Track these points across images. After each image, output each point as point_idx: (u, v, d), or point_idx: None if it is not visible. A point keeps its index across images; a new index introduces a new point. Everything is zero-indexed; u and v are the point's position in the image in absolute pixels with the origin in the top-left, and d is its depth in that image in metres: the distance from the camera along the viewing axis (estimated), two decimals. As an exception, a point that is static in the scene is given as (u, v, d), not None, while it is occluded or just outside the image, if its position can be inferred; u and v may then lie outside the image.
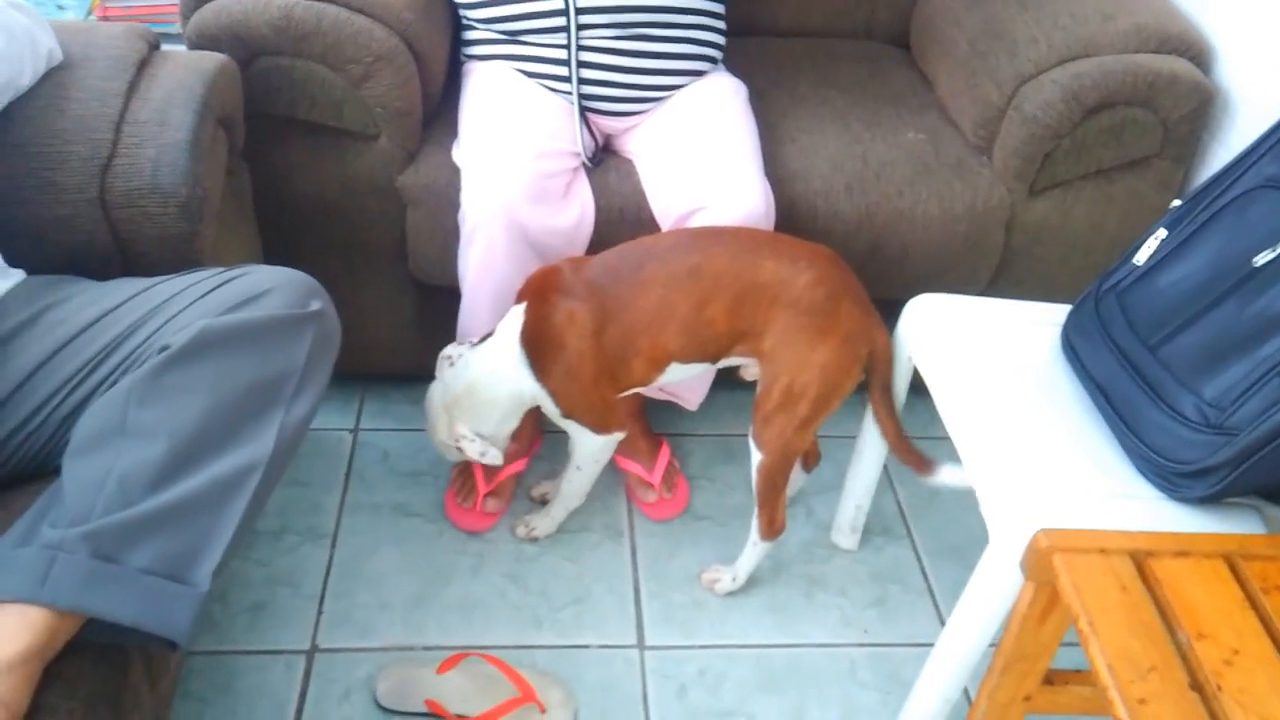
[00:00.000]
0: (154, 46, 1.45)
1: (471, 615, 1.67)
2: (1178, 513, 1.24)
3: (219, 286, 1.16)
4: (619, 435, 1.65)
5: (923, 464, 1.53)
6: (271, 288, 1.15)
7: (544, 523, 1.78)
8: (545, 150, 1.62)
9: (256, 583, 1.69)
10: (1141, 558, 1.15)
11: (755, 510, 1.63)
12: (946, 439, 1.38)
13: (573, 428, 1.62)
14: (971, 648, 1.33)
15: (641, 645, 1.65)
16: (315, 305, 1.17)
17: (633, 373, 1.54)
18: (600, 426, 1.61)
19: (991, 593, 1.27)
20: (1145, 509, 1.24)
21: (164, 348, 1.09)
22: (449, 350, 1.65)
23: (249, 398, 1.10)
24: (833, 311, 1.46)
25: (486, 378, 1.56)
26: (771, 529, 1.63)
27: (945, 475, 1.51)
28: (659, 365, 1.54)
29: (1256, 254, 1.24)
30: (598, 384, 1.54)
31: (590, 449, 1.66)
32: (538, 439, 1.91)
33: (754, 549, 1.68)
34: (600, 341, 1.49)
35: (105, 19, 1.98)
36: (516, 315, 1.52)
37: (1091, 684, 1.34)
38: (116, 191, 1.28)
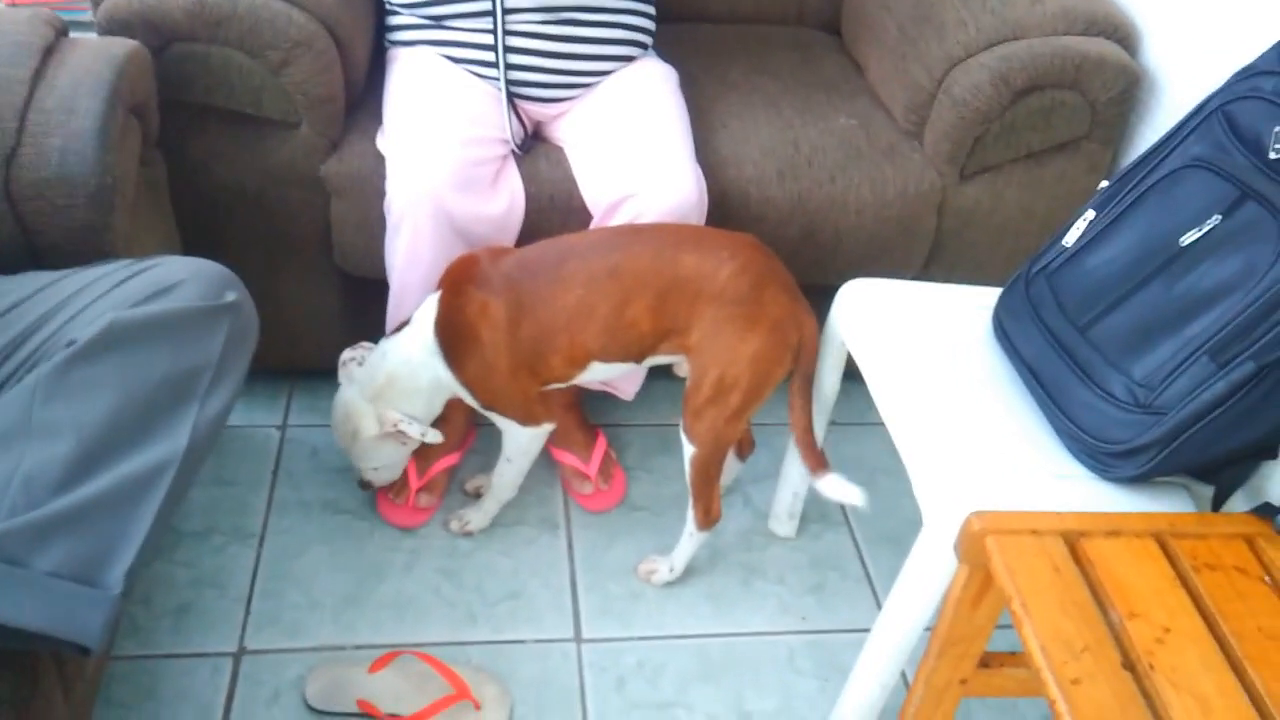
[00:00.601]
0: (62, 32, 1.39)
1: (404, 613, 1.63)
2: (1109, 492, 1.24)
3: (129, 279, 1.12)
4: (548, 427, 1.63)
5: (817, 464, 1.54)
6: (184, 279, 1.11)
7: (477, 516, 1.75)
8: (472, 137, 1.59)
9: (181, 584, 1.64)
10: (1073, 538, 1.15)
11: (690, 501, 1.61)
12: (880, 425, 1.37)
13: (498, 419, 1.61)
14: (907, 632, 1.33)
15: (579, 638, 1.63)
16: (230, 296, 1.13)
17: (552, 369, 1.52)
18: (525, 418, 1.60)
19: (926, 577, 1.27)
20: (1077, 489, 1.24)
21: (71, 342, 1.04)
22: (347, 354, 1.64)
23: (161, 393, 1.06)
24: (759, 300, 1.45)
25: (404, 367, 1.53)
26: (707, 519, 1.61)
27: (829, 484, 1.52)
28: (579, 363, 1.52)
29: (1183, 233, 1.24)
30: (515, 377, 1.52)
31: (518, 441, 1.64)
32: (471, 433, 1.88)
33: (690, 539, 1.66)
34: (515, 336, 1.48)
35: (13, 4, 1.91)
36: (431, 304, 1.50)
37: (1026, 666, 1.34)
38: (22, 182, 1.23)
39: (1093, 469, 1.26)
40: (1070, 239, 1.39)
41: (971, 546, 1.16)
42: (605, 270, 1.45)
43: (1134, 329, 1.26)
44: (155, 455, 1.05)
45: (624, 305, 1.45)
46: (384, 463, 1.66)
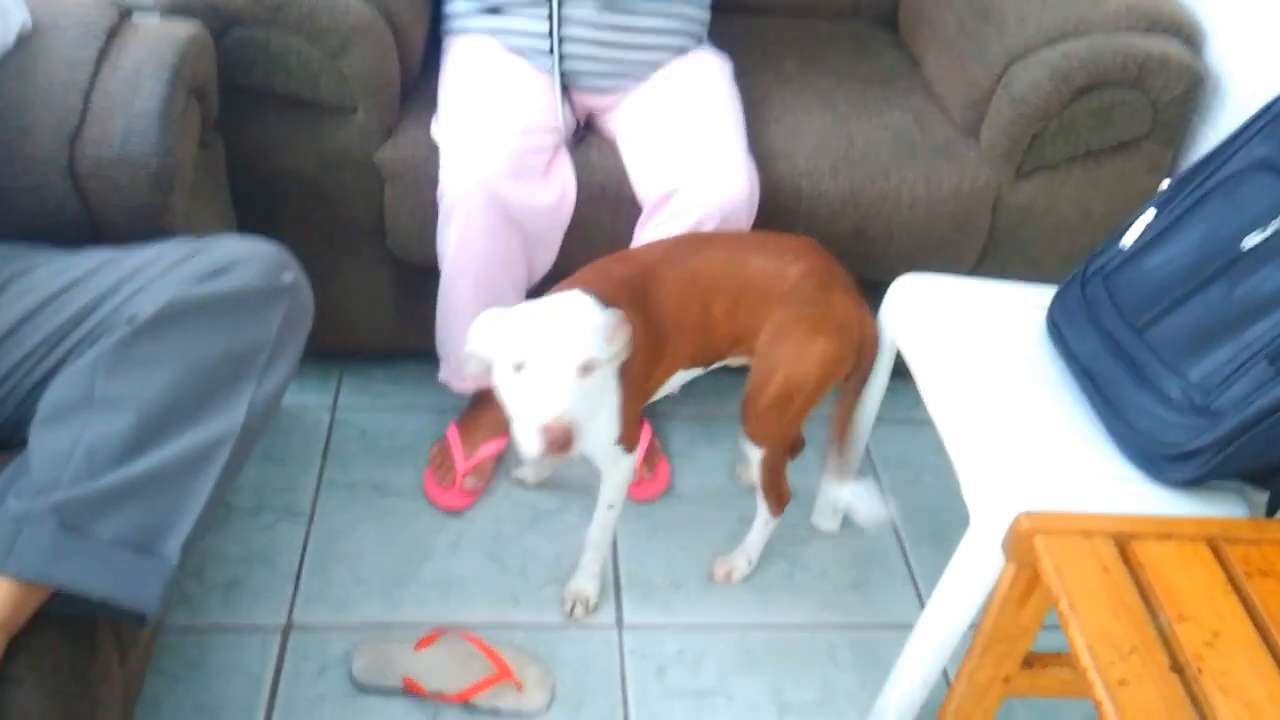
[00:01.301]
0: (125, 15, 1.42)
1: (449, 593, 1.65)
2: (1161, 496, 1.23)
3: (189, 257, 1.14)
4: (637, 453, 1.57)
5: (843, 470, 1.55)
6: (242, 259, 1.13)
7: (586, 582, 1.64)
8: (526, 126, 1.60)
9: (232, 559, 1.67)
10: (1124, 540, 1.14)
11: (760, 496, 1.63)
12: (927, 423, 1.37)
13: (603, 456, 1.49)
14: (951, 630, 1.32)
15: (620, 625, 1.64)
16: (287, 278, 1.15)
17: (656, 381, 1.48)
18: (631, 441, 1.49)
19: (972, 575, 1.26)
20: (1129, 492, 1.23)
21: (132, 318, 1.07)
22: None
23: (219, 369, 1.08)
24: (826, 301, 1.45)
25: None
26: (780, 504, 1.64)
27: (849, 492, 1.54)
28: (672, 371, 1.49)
29: (1245, 236, 1.22)
30: (635, 392, 1.43)
31: (623, 474, 1.53)
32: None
33: (765, 527, 1.68)
34: (646, 344, 1.39)
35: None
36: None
37: (1071, 666, 1.33)
38: (86, 160, 1.26)
39: (1146, 471, 1.24)
40: (1129, 239, 1.37)
41: (1019, 546, 1.15)
42: (687, 277, 1.43)
43: (1192, 331, 1.25)
44: (213, 431, 1.07)
45: (706, 310, 1.44)
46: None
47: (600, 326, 1.25)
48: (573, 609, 1.63)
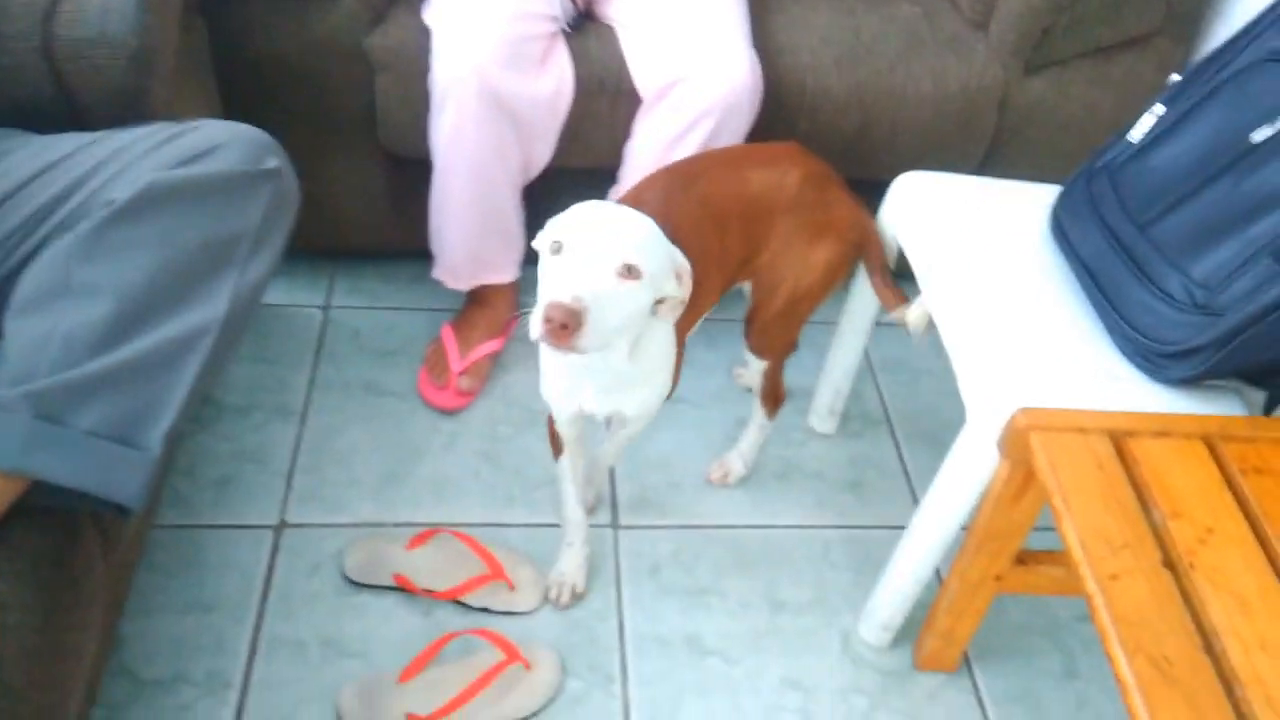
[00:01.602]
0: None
1: (443, 493, 1.65)
2: (1159, 394, 1.21)
3: (168, 141, 1.10)
4: None
5: (898, 299, 1.45)
6: (224, 143, 1.09)
7: (578, 575, 1.53)
8: (521, 12, 1.55)
9: (223, 458, 1.66)
10: (1120, 437, 1.12)
11: (757, 400, 1.61)
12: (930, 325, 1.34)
13: (652, 413, 1.36)
14: (945, 528, 1.32)
15: (615, 525, 1.63)
16: (271, 163, 1.11)
17: (689, 329, 1.36)
18: (676, 379, 1.35)
19: (967, 472, 1.25)
20: (1126, 390, 1.21)
21: (109, 202, 1.03)
22: None
23: (200, 257, 1.05)
24: (825, 204, 1.41)
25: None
26: (776, 407, 1.63)
27: (910, 314, 1.43)
28: (701, 315, 1.38)
29: (1255, 129, 1.19)
30: (682, 347, 1.33)
31: (650, 415, 1.37)
32: (514, 320, 1.87)
33: (760, 430, 1.67)
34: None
35: None
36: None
37: (1063, 564, 1.34)
38: (62, 41, 1.21)
39: (1144, 370, 1.22)
40: (1137, 134, 1.33)
41: (1015, 442, 1.14)
42: (698, 209, 1.32)
43: (1196, 228, 1.21)
44: (195, 319, 1.04)
45: (723, 238, 1.35)
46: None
47: (664, 249, 1.12)
48: (559, 596, 1.52)
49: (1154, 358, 1.21)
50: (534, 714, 1.39)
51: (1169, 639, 0.94)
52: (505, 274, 1.76)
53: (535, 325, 1.03)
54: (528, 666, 1.41)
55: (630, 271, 1.05)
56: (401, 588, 1.49)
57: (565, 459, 1.43)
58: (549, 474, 1.68)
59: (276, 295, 1.94)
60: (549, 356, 1.25)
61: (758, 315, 1.45)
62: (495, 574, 1.50)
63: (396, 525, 1.59)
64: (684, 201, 1.31)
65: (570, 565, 1.51)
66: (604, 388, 1.25)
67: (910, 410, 1.87)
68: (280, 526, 1.58)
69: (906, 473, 1.77)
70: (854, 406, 1.83)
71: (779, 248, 1.40)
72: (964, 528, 1.31)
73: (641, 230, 1.10)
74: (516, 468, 1.70)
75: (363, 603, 1.49)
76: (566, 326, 0.99)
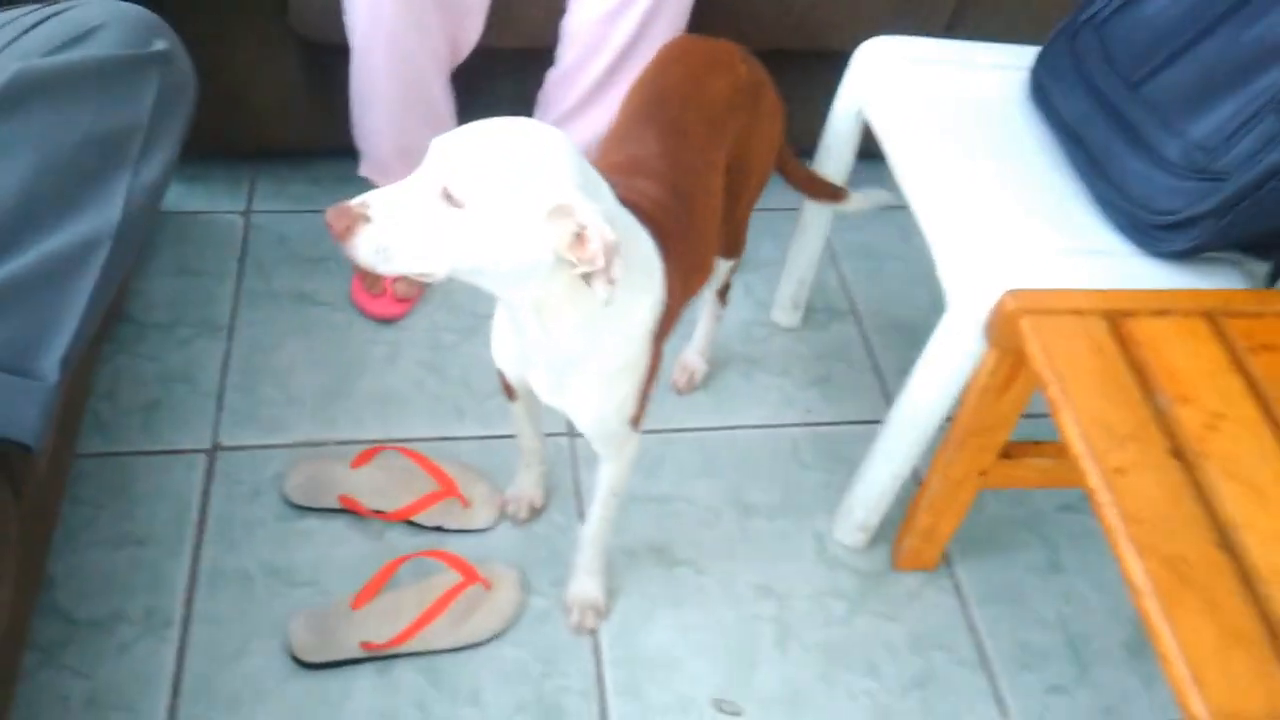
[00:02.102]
0: None
1: (387, 407, 1.54)
2: (1155, 269, 1.12)
3: (37, 24, 0.95)
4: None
5: (837, 193, 1.42)
6: (103, 23, 0.95)
7: (591, 584, 1.34)
8: None
9: (148, 379, 1.53)
10: (1117, 318, 1.04)
11: (711, 295, 1.52)
12: (890, 207, 1.24)
13: (614, 435, 1.15)
14: (924, 423, 1.24)
15: (572, 433, 1.54)
16: (159, 44, 0.97)
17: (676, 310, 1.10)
18: (641, 411, 1.13)
19: (948, 362, 1.16)
20: (1118, 266, 1.13)
21: (-32, 99, 0.89)
22: None
23: (84, 156, 0.91)
24: (763, 84, 1.27)
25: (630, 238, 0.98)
26: (726, 295, 1.54)
27: (857, 199, 1.40)
28: (703, 278, 1.21)
29: (1256, -27, 1.08)
30: (660, 353, 1.09)
31: (630, 457, 1.21)
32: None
33: (715, 321, 1.57)
34: (682, 281, 1.07)
35: None
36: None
37: (1050, 455, 1.27)
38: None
39: (1138, 243, 1.14)
40: (1124, -16, 1.22)
41: (1004, 328, 1.05)
42: (686, 145, 1.13)
43: (1194, 84, 1.12)
44: (84, 229, 0.91)
45: (714, 171, 1.17)
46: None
47: (534, 190, 0.84)
48: (581, 619, 1.34)
49: (1149, 229, 1.12)
50: (497, 635, 1.31)
51: (1182, 536, 0.87)
52: (440, 168, 1.63)
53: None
54: (487, 586, 1.33)
55: (450, 199, 0.83)
56: (348, 509, 1.40)
57: (518, 405, 1.31)
58: (498, 384, 1.58)
59: (194, 201, 1.79)
60: (499, 311, 1.11)
61: (730, 217, 1.29)
62: (447, 491, 1.40)
63: (339, 444, 1.49)
64: (677, 146, 1.12)
65: (527, 481, 1.42)
66: (552, 366, 1.05)
67: (876, 298, 1.78)
68: (214, 450, 1.46)
69: (875, 365, 1.68)
70: (817, 297, 1.74)
71: (741, 148, 1.24)
72: (947, 420, 1.23)
73: (500, 151, 0.85)
74: (464, 377, 1.59)
75: (308, 528, 1.40)
76: (331, 225, 0.85)
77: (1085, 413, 0.95)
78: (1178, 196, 1.09)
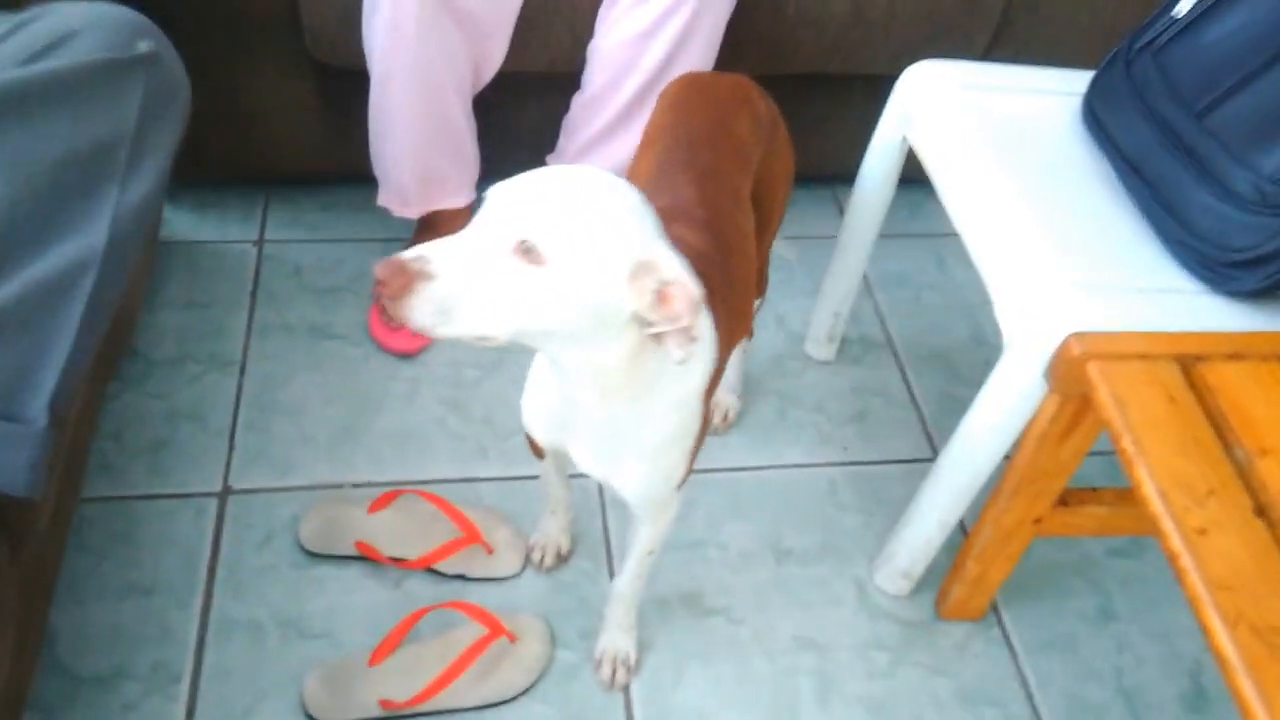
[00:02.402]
0: None
1: (406, 447, 1.47)
2: (1227, 309, 1.05)
3: (11, 32, 0.89)
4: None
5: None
6: (81, 28, 0.88)
7: (622, 638, 1.27)
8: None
9: (155, 418, 1.47)
10: (1189, 363, 0.97)
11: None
12: (925, 236, 1.18)
13: (660, 498, 1.06)
14: (978, 469, 1.17)
15: (598, 473, 1.47)
16: (143, 47, 0.90)
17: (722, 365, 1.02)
18: (688, 473, 1.04)
19: (1005, 406, 1.10)
20: (1189, 306, 1.06)
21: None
22: None
23: (66, 174, 0.85)
24: (778, 118, 1.21)
25: None
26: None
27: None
28: (741, 333, 1.11)
29: (1328, -4, 1.02)
30: (709, 397, 1.00)
31: (670, 517, 1.14)
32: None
33: (744, 356, 1.51)
34: (727, 332, 0.99)
35: None
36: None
37: (1108, 503, 1.20)
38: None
39: (1207, 281, 1.07)
40: (1183, 7, 1.16)
41: (1069, 373, 0.98)
42: (718, 185, 1.06)
43: (1264, 114, 1.05)
44: (69, 254, 0.85)
45: (744, 211, 1.10)
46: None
47: (623, 245, 0.76)
48: (613, 674, 1.27)
49: (1219, 267, 1.06)
50: (523, 691, 1.25)
51: (1273, 604, 0.80)
52: (458, 196, 1.57)
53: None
54: (513, 639, 1.26)
55: (529, 253, 0.74)
56: (365, 557, 1.33)
57: (547, 462, 1.24)
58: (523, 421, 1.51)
59: (204, 230, 1.73)
60: (537, 366, 1.02)
61: (757, 255, 1.21)
62: (470, 537, 1.34)
63: (355, 486, 1.42)
64: (713, 190, 1.05)
65: (553, 527, 1.35)
66: (596, 434, 0.96)
67: (914, 329, 1.71)
68: (224, 493, 1.40)
69: (914, 400, 1.61)
70: (852, 328, 1.67)
71: (762, 184, 1.17)
72: (1002, 461, 1.16)
73: (580, 204, 0.76)
74: (486, 416, 1.52)
75: (323, 576, 1.33)
76: (384, 284, 0.73)
77: (1162, 468, 0.88)
78: (1249, 233, 1.03)
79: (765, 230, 1.21)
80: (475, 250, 0.75)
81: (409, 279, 0.73)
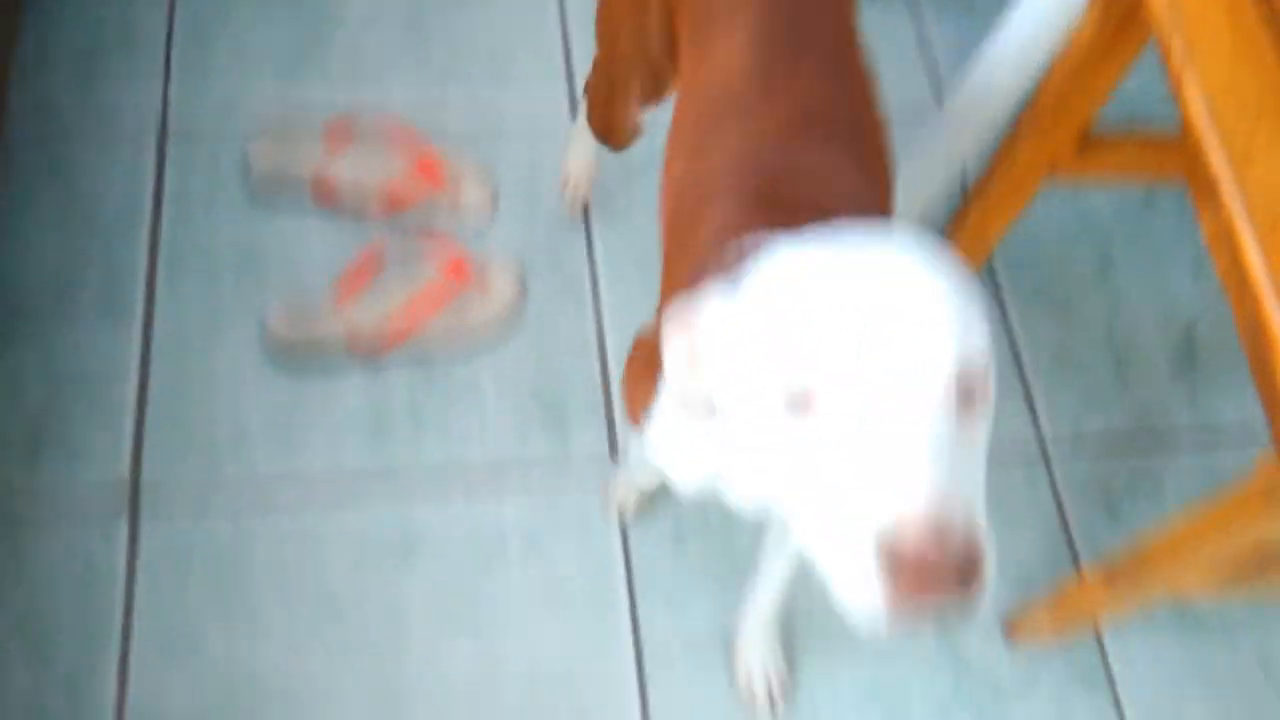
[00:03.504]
0: None
1: (362, 69, 1.33)
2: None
3: None
4: None
5: None
6: None
7: (770, 656, 1.12)
8: None
9: (86, 26, 1.31)
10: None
11: None
12: None
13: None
14: (1002, 97, 1.04)
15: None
16: None
17: None
18: None
19: (1040, 17, 0.96)
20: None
21: None
22: None
23: None
24: None
25: None
26: None
27: None
28: None
29: None
30: None
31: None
32: None
33: None
34: None
35: None
36: None
37: (1134, 144, 1.09)
38: None
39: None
40: None
41: (1116, -28, 0.85)
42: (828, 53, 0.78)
43: None
44: None
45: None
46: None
47: (968, 298, 0.52)
48: (767, 693, 1.10)
49: None
50: (495, 327, 1.19)
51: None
52: None
53: (868, 593, 0.47)
54: (479, 275, 1.18)
55: (969, 394, 0.50)
56: (322, 197, 1.23)
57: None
58: (491, 38, 1.36)
59: None
60: (671, 401, 0.70)
61: None
62: (432, 179, 1.23)
63: (308, 113, 1.29)
64: (840, 75, 0.78)
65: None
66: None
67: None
68: (163, 131, 1.26)
69: (925, 39, 1.46)
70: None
71: None
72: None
73: (947, 294, 0.51)
74: (449, 42, 1.37)
75: (277, 214, 1.23)
76: (925, 572, 0.45)
77: (1215, 80, 0.77)
78: None
79: None
80: (937, 428, 0.48)
81: (976, 547, 0.45)
